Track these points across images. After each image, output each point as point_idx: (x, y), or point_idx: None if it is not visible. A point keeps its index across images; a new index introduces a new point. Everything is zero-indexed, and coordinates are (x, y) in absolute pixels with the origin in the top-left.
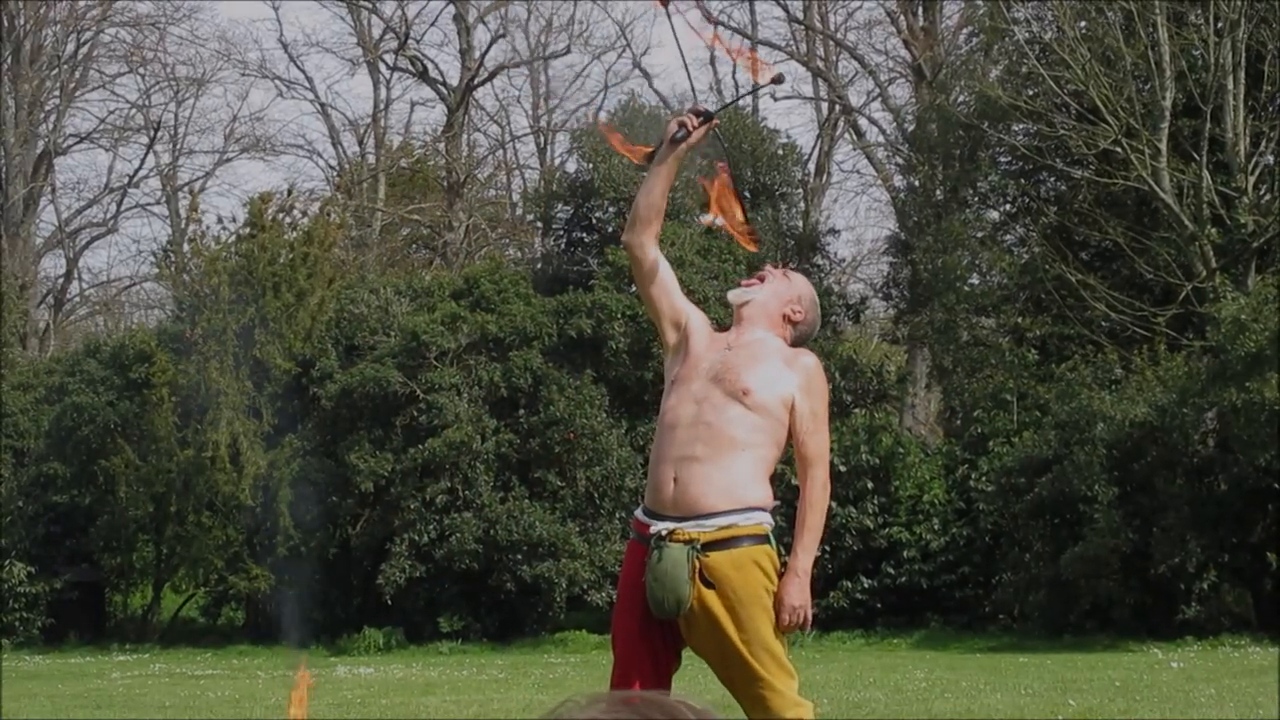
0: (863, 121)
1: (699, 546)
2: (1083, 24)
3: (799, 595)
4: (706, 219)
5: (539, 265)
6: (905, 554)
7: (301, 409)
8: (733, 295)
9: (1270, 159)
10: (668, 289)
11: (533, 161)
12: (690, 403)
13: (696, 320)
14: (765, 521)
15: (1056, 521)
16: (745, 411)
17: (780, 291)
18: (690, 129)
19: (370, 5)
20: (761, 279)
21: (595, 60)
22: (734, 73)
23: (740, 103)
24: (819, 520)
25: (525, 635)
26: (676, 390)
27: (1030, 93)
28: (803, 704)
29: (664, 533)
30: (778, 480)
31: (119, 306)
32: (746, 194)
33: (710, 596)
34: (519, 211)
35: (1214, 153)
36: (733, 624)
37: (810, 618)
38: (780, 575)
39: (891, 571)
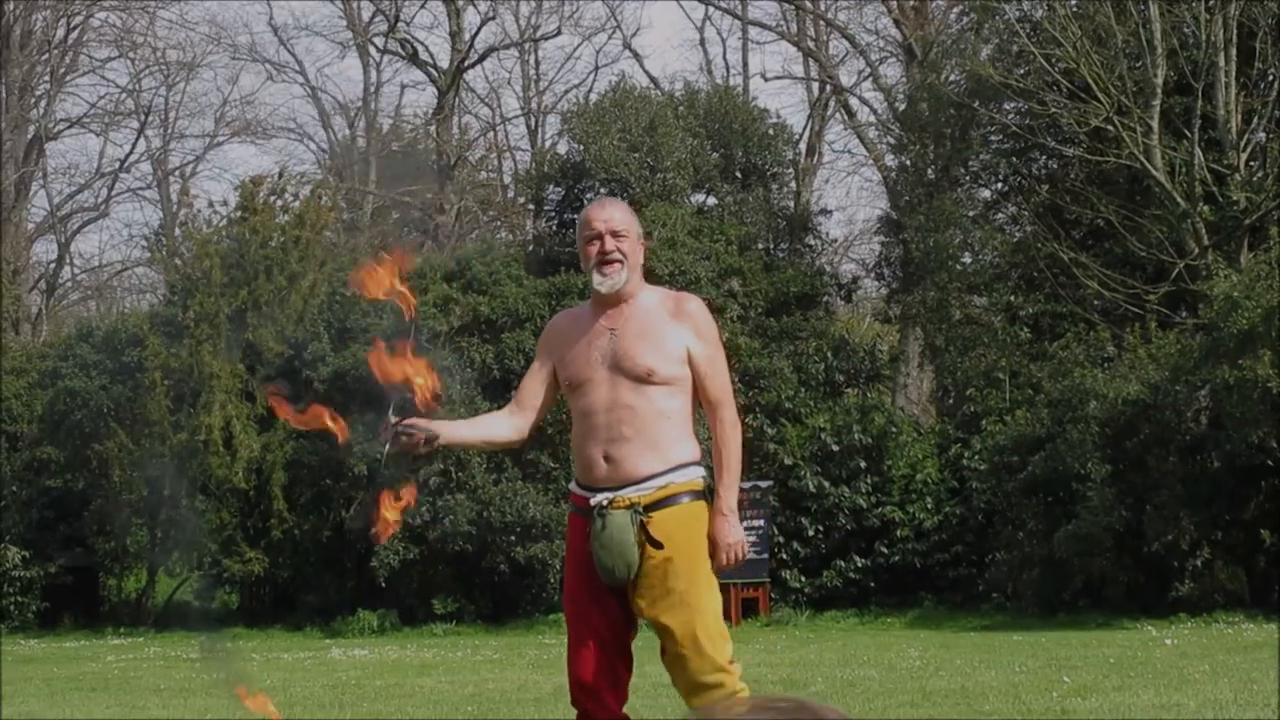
0: (854, 101)
1: (641, 509)
2: (1073, 2)
3: (732, 533)
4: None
5: (531, 247)
6: (898, 533)
7: (294, 392)
8: (605, 287)
9: (1262, 136)
10: (544, 388)
11: (524, 144)
12: (602, 390)
13: (553, 342)
14: (699, 476)
15: (1050, 500)
16: (656, 387)
17: (634, 245)
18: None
19: None
20: (619, 252)
21: (585, 42)
22: (724, 54)
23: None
24: (735, 458)
25: (519, 616)
26: (581, 389)
27: (1021, 71)
28: (729, 670)
29: (605, 501)
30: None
31: (111, 291)
32: (738, 174)
33: (656, 556)
34: (510, 194)
35: (1206, 130)
36: (674, 578)
37: (745, 554)
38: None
39: (885, 551)
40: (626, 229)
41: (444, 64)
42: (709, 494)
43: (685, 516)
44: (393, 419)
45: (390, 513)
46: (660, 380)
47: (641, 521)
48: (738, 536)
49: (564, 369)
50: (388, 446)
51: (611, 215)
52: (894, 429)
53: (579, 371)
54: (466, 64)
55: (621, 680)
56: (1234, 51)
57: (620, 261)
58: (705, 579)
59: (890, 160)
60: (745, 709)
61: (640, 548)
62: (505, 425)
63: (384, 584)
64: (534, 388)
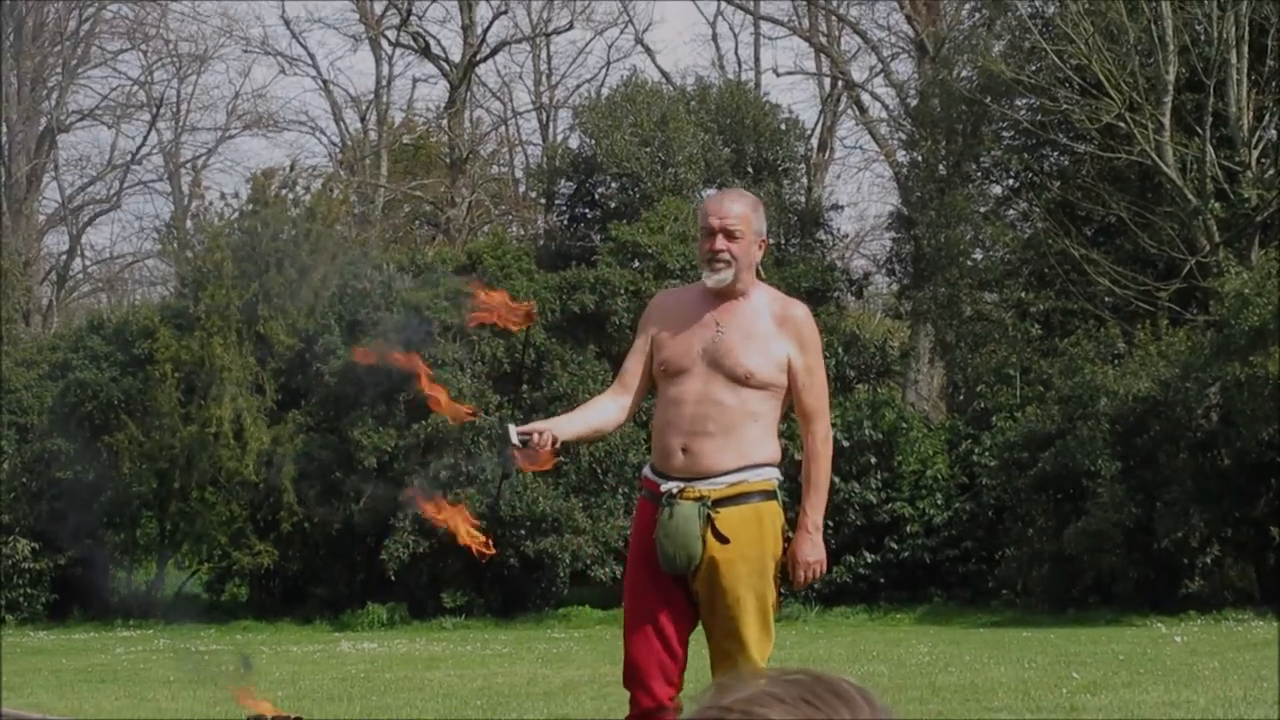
0: (866, 97)
1: (710, 503)
2: None
3: (814, 551)
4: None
5: (542, 241)
6: (908, 529)
7: (305, 385)
8: (711, 283)
9: (1273, 133)
10: (646, 376)
11: (535, 138)
12: (697, 383)
13: (657, 319)
14: (774, 477)
15: (1060, 496)
16: (751, 390)
17: (748, 245)
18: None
19: None
20: (729, 251)
21: (597, 36)
22: (735, 49)
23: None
24: (824, 473)
25: (529, 611)
26: (676, 376)
27: (1033, 67)
28: None
29: (675, 490)
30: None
31: (122, 283)
32: (749, 169)
33: (720, 551)
34: (522, 188)
35: (1217, 127)
36: (732, 577)
37: (823, 573)
38: (790, 533)
39: (895, 546)
40: (742, 229)
41: (456, 58)
42: (779, 494)
43: (753, 516)
44: (515, 436)
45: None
46: (757, 384)
47: (708, 515)
48: (818, 555)
49: (661, 350)
50: (518, 456)
51: (728, 211)
52: (904, 425)
53: (677, 358)
54: (478, 58)
55: (673, 670)
56: (1245, 48)
57: (728, 263)
58: (760, 582)
59: (902, 156)
60: (756, 686)
61: (704, 541)
62: (612, 409)
63: (393, 577)
64: (635, 367)
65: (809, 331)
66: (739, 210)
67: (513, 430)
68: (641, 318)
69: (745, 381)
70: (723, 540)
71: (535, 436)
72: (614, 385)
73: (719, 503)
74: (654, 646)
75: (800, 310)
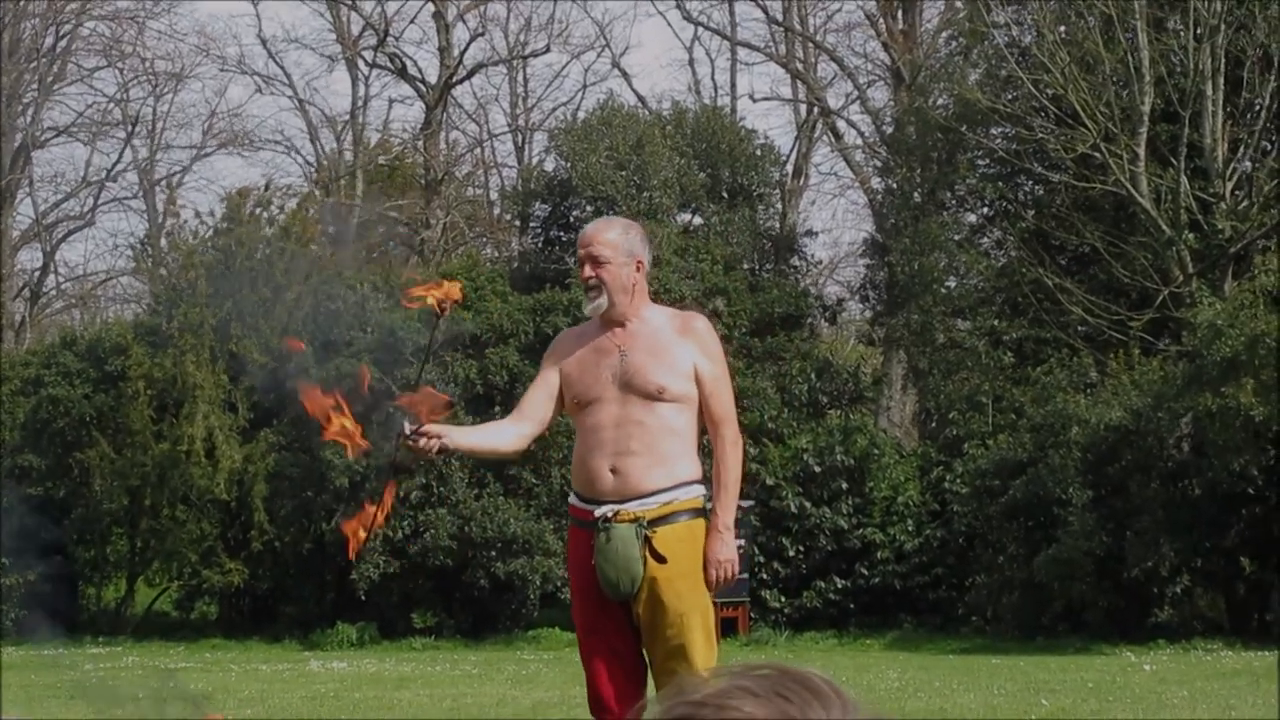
0: (841, 124)
1: (645, 524)
2: (1062, 28)
3: (725, 550)
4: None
5: (516, 263)
6: (879, 555)
7: (277, 403)
8: (588, 311)
9: (1248, 164)
10: (551, 401)
11: (510, 160)
12: (613, 407)
13: (561, 359)
14: (700, 494)
15: (1030, 524)
16: (665, 404)
17: (618, 269)
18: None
19: (350, 2)
20: (597, 276)
21: (574, 60)
22: (712, 74)
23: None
24: (735, 476)
25: (498, 632)
26: (590, 407)
27: (1009, 96)
28: None
29: (609, 515)
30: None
31: (95, 300)
32: (724, 194)
33: (658, 570)
34: (497, 210)
35: (1192, 158)
36: (673, 595)
37: (736, 572)
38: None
39: (865, 572)
40: (609, 255)
41: (432, 79)
42: (708, 513)
43: (685, 534)
44: (408, 427)
45: (361, 528)
46: (670, 398)
47: (646, 536)
48: (730, 554)
49: (572, 386)
50: (399, 451)
51: (591, 239)
52: (876, 451)
53: (588, 389)
54: (455, 80)
55: (635, 692)
56: (1221, 80)
57: (598, 289)
58: (701, 597)
59: (876, 183)
60: (725, 681)
61: (644, 562)
62: (509, 433)
63: (364, 597)
64: (539, 399)
65: (711, 340)
66: (604, 236)
67: (406, 424)
68: (546, 355)
69: (659, 396)
70: (660, 560)
71: (424, 440)
72: (513, 413)
73: (653, 523)
74: (614, 671)
75: (700, 321)
